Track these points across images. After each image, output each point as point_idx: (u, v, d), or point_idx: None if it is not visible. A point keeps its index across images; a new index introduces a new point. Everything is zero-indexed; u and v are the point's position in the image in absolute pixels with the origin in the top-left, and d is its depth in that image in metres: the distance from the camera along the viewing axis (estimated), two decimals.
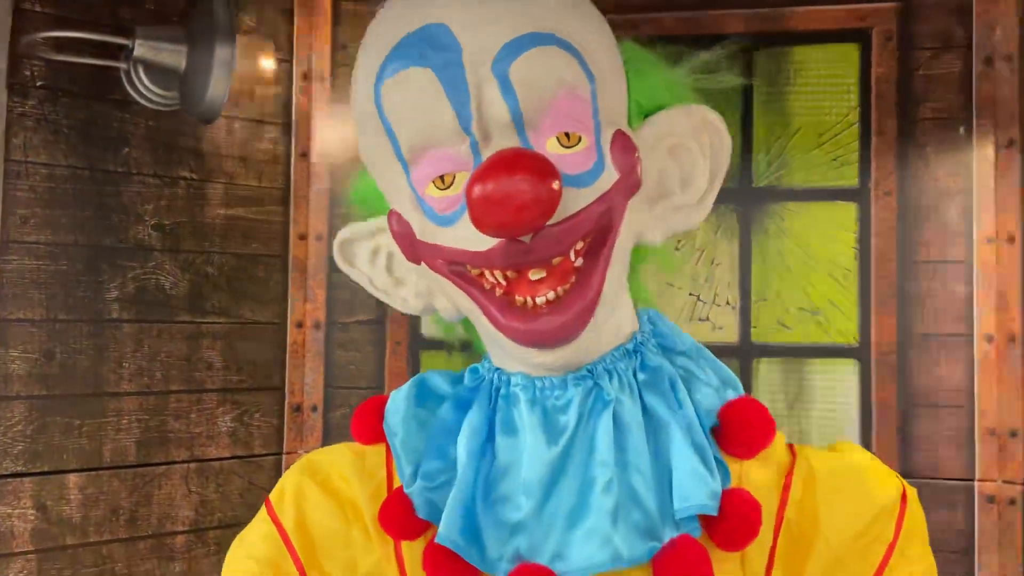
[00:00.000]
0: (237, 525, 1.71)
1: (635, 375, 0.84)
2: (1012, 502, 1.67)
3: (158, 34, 1.52)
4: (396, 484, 0.89)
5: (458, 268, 0.82)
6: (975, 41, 1.80)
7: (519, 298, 0.81)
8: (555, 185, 0.74)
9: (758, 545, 0.85)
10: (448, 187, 0.80)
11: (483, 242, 0.77)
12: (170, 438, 1.80)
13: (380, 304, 1.83)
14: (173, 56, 1.52)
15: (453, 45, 0.79)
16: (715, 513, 0.79)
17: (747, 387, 1.56)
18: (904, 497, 0.92)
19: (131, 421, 1.76)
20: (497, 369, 0.87)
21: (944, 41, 1.83)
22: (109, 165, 1.72)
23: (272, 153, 1.94)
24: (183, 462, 1.81)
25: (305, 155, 1.94)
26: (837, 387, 1.85)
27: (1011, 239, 1.71)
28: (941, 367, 1.80)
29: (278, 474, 1.84)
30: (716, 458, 0.83)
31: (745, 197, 1.87)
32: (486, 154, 0.79)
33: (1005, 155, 1.73)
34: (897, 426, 1.80)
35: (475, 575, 0.81)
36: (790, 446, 0.90)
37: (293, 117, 1.97)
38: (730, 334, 1.84)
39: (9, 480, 1.60)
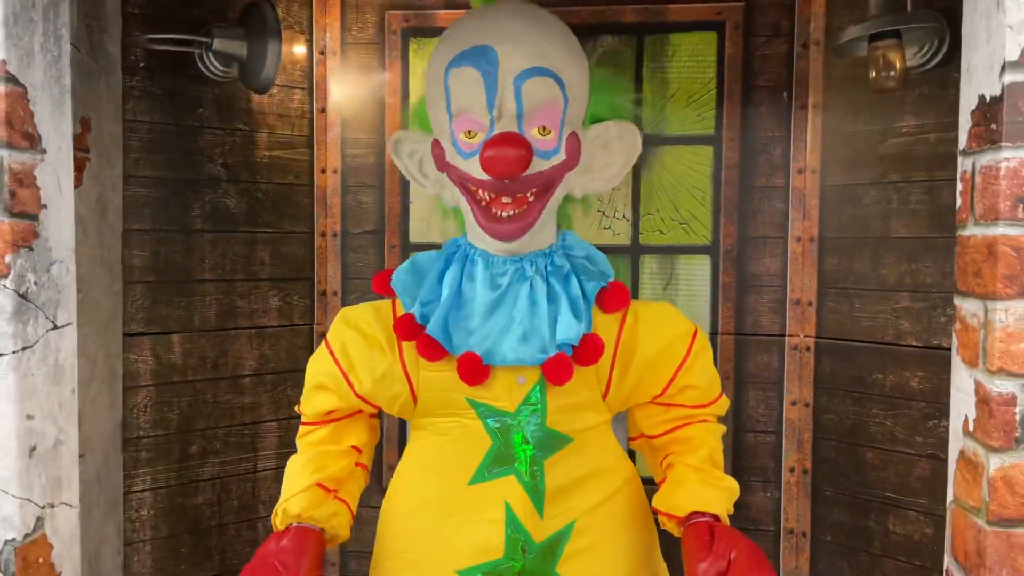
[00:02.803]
0: (284, 372, 2.33)
1: (545, 267, 1.38)
2: (808, 349, 2.18)
3: (227, 33, 1.96)
4: (396, 318, 1.41)
5: (464, 183, 1.34)
6: (796, 31, 2.13)
7: (494, 210, 1.32)
8: (528, 156, 1.26)
9: (605, 357, 1.40)
10: (472, 137, 1.31)
11: (482, 175, 1.29)
12: (237, 312, 2.18)
13: (380, 219, 2.35)
14: (238, 48, 1.98)
15: (495, 61, 1.28)
16: (577, 344, 1.34)
17: (635, 276, 2.17)
18: (695, 334, 1.48)
19: (211, 299, 2.13)
20: (469, 244, 1.40)
21: (775, 31, 2.15)
22: (189, 121, 2.07)
23: (300, 110, 2.26)
24: (246, 328, 2.20)
25: (323, 110, 2.28)
26: (696, 274, 2.23)
27: (813, 171, 2.14)
28: (765, 259, 2.19)
29: (311, 338, 2.32)
30: (587, 316, 1.35)
31: None
32: (497, 128, 1.28)
33: (812, 113, 2.13)
34: (735, 300, 2.22)
35: (444, 354, 1.35)
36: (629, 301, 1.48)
37: (313, 82, 2.27)
38: (625, 239, 2.24)
39: (135, 337, 2.01)
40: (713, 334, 2.24)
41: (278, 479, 2.22)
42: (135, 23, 1.97)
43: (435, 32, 2.29)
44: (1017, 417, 0.94)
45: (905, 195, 2.00)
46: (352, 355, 1.41)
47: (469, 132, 1.30)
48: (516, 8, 1.34)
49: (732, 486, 1.41)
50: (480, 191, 1.31)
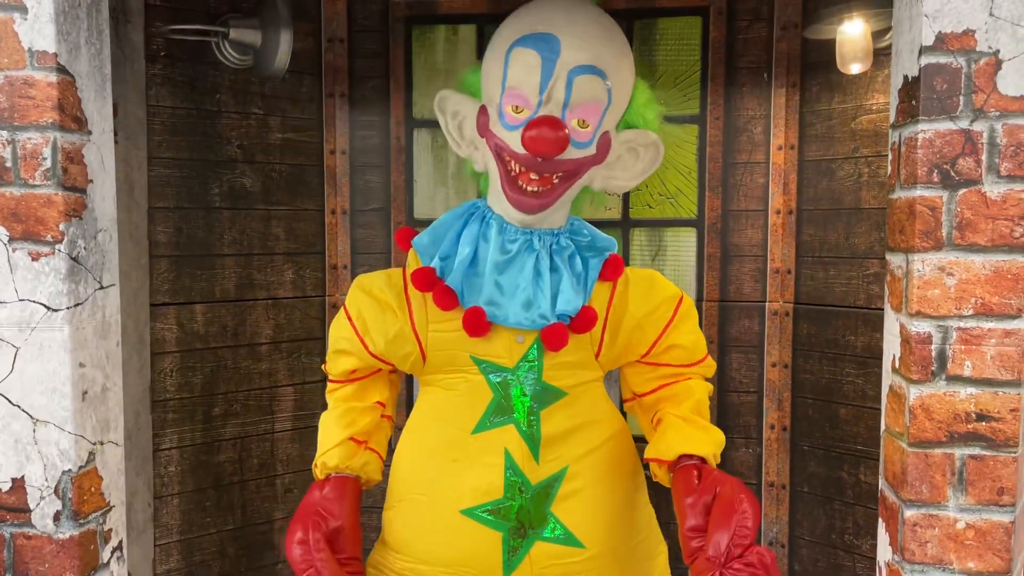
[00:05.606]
0: (298, 340, 2.47)
1: (551, 245, 1.49)
2: (787, 314, 2.30)
3: (243, 24, 2.08)
4: (407, 286, 1.53)
5: (500, 152, 1.44)
6: (775, 15, 2.23)
7: (521, 183, 1.43)
8: (565, 142, 1.36)
9: (597, 321, 1.51)
10: (519, 112, 1.41)
11: (519, 149, 1.39)
12: (255, 284, 2.29)
13: (386, 197, 2.46)
14: (252, 37, 2.09)
15: (556, 50, 1.38)
16: (575, 315, 1.46)
17: (625, 248, 2.30)
18: (681, 299, 1.61)
19: (230, 272, 2.25)
20: (488, 208, 1.51)
21: (755, 15, 2.25)
22: (207, 106, 2.18)
23: (310, 95, 2.36)
24: (263, 299, 2.31)
25: (331, 95, 2.38)
26: (683, 245, 2.33)
27: (792, 147, 2.25)
28: (747, 231, 2.30)
29: (323, 309, 2.43)
30: (586, 291, 1.47)
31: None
32: (543, 111, 1.38)
33: (790, 92, 2.24)
34: (720, 269, 2.32)
35: (456, 304, 1.46)
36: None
37: (323, 68, 2.36)
38: (615, 213, 2.36)
39: (161, 307, 2.13)
40: (699, 301, 2.36)
41: (294, 439, 2.41)
42: (157, 14, 2.09)
43: (437, 20, 2.39)
44: (932, 353, 1.09)
45: (875, 168, 2.12)
46: (367, 318, 1.53)
47: (517, 107, 1.40)
48: (584, 6, 1.43)
49: (718, 434, 1.49)
50: (513, 162, 1.42)
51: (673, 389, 1.58)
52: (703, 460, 1.43)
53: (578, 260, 1.48)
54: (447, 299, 1.44)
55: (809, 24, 2.09)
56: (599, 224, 1.43)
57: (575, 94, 1.36)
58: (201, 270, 2.23)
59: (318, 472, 1.54)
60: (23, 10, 1.18)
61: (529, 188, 1.40)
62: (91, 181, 1.31)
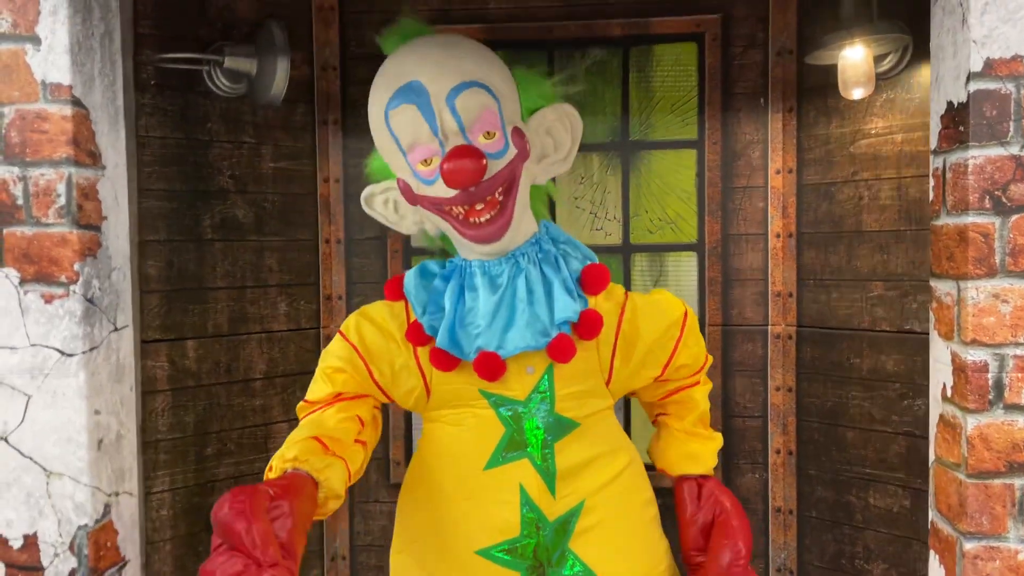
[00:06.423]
0: (293, 374, 2.37)
1: (536, 255, 1.46)
2: (789, 337, 2.30)
3: (238, 51, 2.03)
4: (410, 320, 1.51)
5: (438, 206, 1.42)
6: (770, 40, 2.24)
7: (472, 219, 1.41)
8: (483, 162, 1.35)
9: (605, 343, 1.50)
10: (429, 164, 1.40)
11: (449, 192, 1.38)
12: (248, 317, 2.23)
13: (382, 225, 2.35)
14: (248, 65, 2.04)
15: (424, 92, 1.37)
16: (576, 320, 1.43)
17: (626, 274, 2.28)
18: (685, 314, 1.62)
19: (223, 306, 2.18)
20: (463, 259, 1.49)
21: (751, 41, 2.26)
22: (198, 135, 2.12)
23: (302, 123, 2.31)
24: (257, 333, 2.24)
25: (325, 122, 2.34)
26: (684, 270, 2.33)
27: (791, 170, 2.26)
28: (747, 254, 2.30)
29: (318, 342, 2.36)
30: (579, 294, 1.48)
31: (625, 147, 2.33)
32: (448, 147, 1.37)
33: (787, 117, 2.22)
34: (721, 293, 2.32)
35: (457, 363, 1.44)
36: (626, 293, 1.60)
37: (315, 96, 2.34)
38: (616, 239, 2.34)
39: (152, 344, 2.05)
40: (701, 326, 2.33)
41: None
42: (146, 42, 2.03)
43: None
44: (989, 382, 1.08)
45: (875, 191, 2.14)
46: (371, 346, 1.48)
47: (425, 161, 1.39)
48: (426, 40, 1.44)
49: (717, 442, 1.63)
50: (453, 207, 1.39)
51: (680, 396, 1.64)
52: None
53: (563, 264, 1.46)
54: (443, 361, 1.42)
55: (810, 50, 2.10)
56: (600, 250, 1.43)
57: (463, 114, 1.36)
58: (193, 304, 2.16)
59: (271, 474, 1.33)
60: (36, 41, 1.12)
61: (482, 219, 1.39)
62: (105, 218, 1.25)
